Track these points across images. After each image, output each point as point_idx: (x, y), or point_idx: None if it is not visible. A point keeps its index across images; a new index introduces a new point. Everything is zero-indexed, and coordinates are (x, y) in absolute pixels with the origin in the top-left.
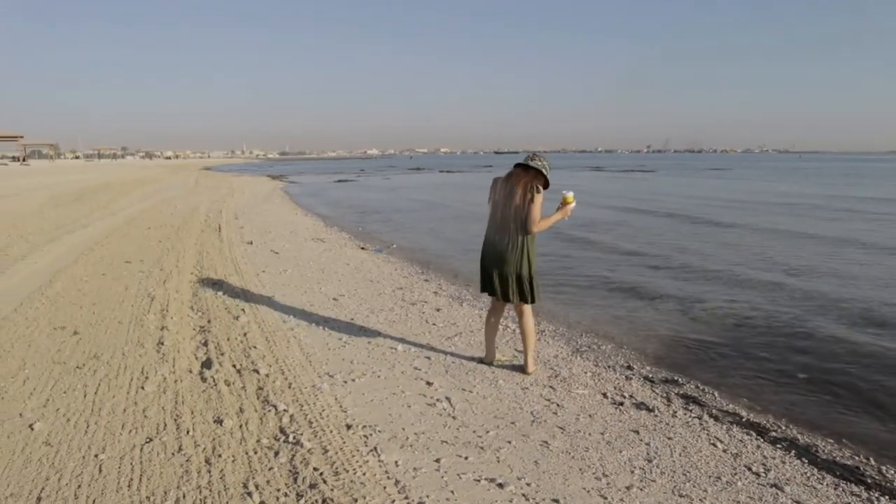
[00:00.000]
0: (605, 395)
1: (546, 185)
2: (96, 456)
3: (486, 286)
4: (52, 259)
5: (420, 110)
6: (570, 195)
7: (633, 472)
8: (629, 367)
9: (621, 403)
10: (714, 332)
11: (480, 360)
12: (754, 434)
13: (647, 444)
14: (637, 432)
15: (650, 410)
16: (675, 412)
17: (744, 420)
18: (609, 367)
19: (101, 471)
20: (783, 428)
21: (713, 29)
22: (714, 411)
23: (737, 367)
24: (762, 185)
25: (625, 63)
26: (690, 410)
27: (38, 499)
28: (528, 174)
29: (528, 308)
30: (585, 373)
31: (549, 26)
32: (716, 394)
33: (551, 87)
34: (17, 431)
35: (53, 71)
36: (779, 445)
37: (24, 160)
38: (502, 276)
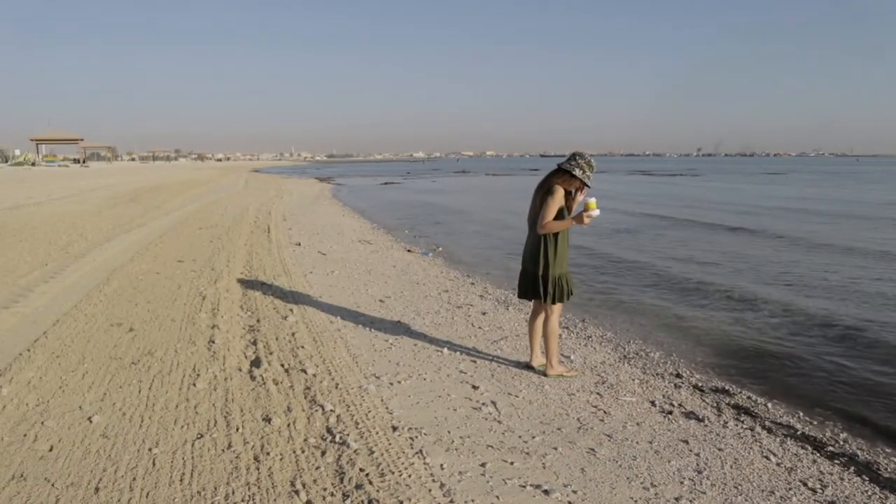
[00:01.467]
0: (653, 403)
1: (581, 187)
2: (150, 450)
3: (518, 287)
4: (110, 257)
5: (465, 113)
6: (592, 201)
7: (682, 483)
8: (678, 376)
9: (670, 412)
10: (767, 341)
11: (528, 365)
12: (810, 448)
13: (697, 454)
14: (686, 442)
15: (700, 420)
16: (726, 423)
17: (798, 433)
18: (657, 374)
19: (154, 464)
20: (841, 443)
21: (767, 29)
22: (767, 423)
23: (791, 378)
24: (818, 192)
25: (675, 65)
26: (742, 421)
27: (97, 489)
28: (556, 175)
29: (553, 309)
30: (633, 380)
31: (599, 26)
32: (768, 405)
33: (599, 90)
34: (76, 423)
35: (111, 76)
36: (837, 461)
37: (83, 162)
38: (526, 275)
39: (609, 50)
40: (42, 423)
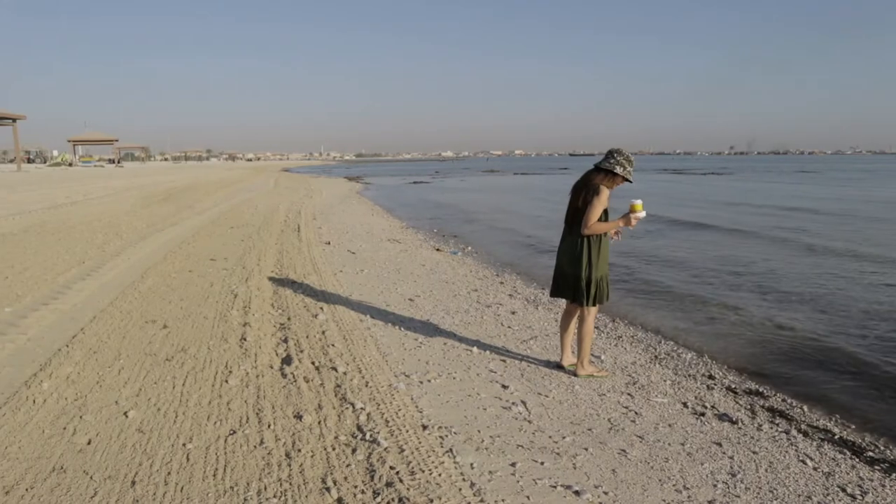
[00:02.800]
0: (685, 404)
1: (622, 182)
2: (184, 445)
3: (555, 288)
4: (144, 256)
5: (494, 112)
6: (638, 203)
7: (715, 486)
8: (711, 377)
9: (702, 414)
10: (802, 343)
11: (558, 364)
12: (848, 453)
13: (731, 457)
14: (720, 445)
15: (733, 423)
16: (761, 426)
17: (836, 437)
18: (689, 375)
19: (188, 459)
20: (881, 448)
21: (801, 24)
22: (803, 426)
23: (827, 381)
24: (854, 191)
25: (707, 61)
26: (777, 424)
27: (133, 483)
28: (598, 175)
29: (588, 311)
30: (665, 381)
31: (626, 24)
32: (804, 408)
33: (628, 88)
34: (113, 418)
35: (145, 78)
36: (877, 467)
37: (118, 162)
38: (564, 276)
39: (639, 47)
40: (80, 417)
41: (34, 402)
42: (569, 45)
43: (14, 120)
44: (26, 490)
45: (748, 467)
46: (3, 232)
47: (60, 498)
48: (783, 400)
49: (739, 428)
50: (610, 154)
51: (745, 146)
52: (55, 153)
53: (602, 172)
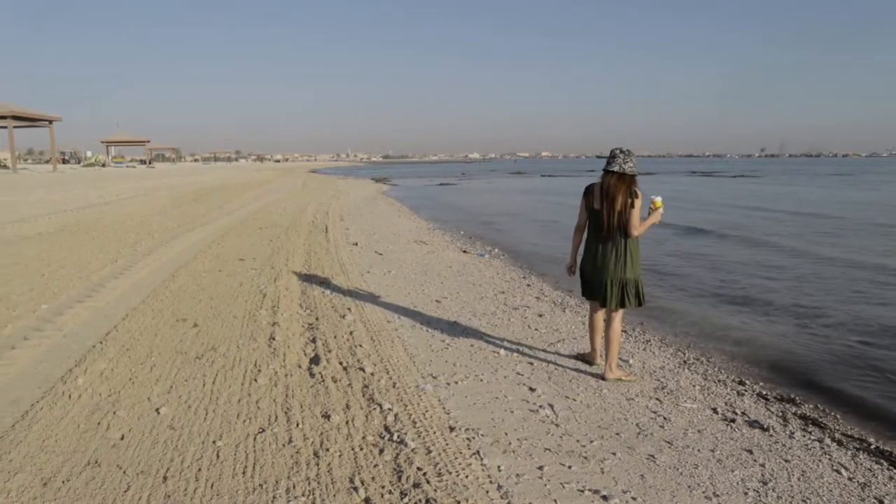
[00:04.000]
0: (715, 410)
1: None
2: (214, 442)
3: (587, 292)
4: (175, 255)
5: (520, 113)
6: (658, 200)
7: (746, 493)
8: (741, 383)
9: (733, 420)
10: (836, 349)
11: (580, 356)
12: (885, 463)
13: (762, 465)
14: (750, 452)
15: (764, 430)
16: (793, 433)
17: (872, 447)
18: (719, 381)
19: (218, 456)
20: None
21: (834, 19)
22: (837, 435)
23: (862, 389)
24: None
25: (737, 62)
26: (810, 432)
27: (165, 478)
28: (624, 180)
29: (619, 314)
30: (694, 386)
31: (653, 21)
32: (838, 416)
33: (655, 89)
34: (145, 414)
35: (176, 79)
36: None
37: (149, 163)
38: (604, 281)
39: (666, 46)
40: (114, 412)
41: (70, 397)
42: (596, 45)
43: (50, 121)
44: (63, 483)
45: (780, 476)
46: (40, 231)
47: (95, 491)
48: (816, 407)
49: (771, 435)
50: (626, 157)
51: (776, 148)
52: (89, 154)
53: (627, 177)
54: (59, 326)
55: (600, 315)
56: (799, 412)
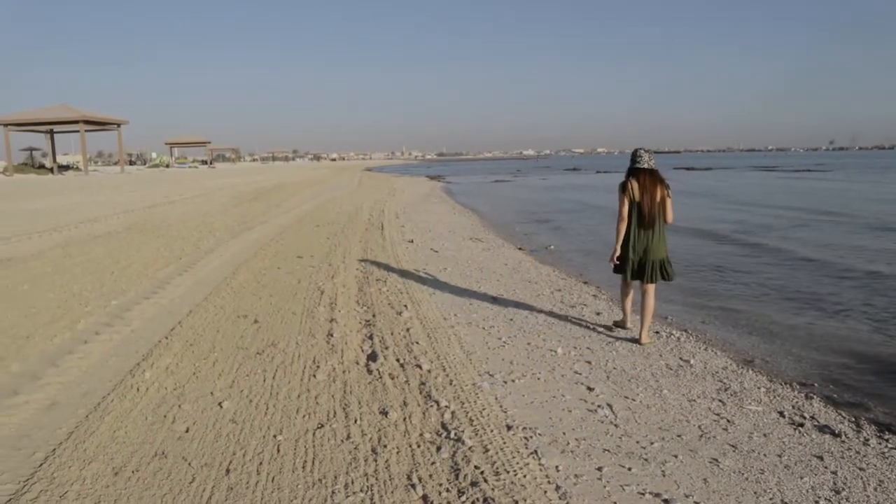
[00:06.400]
0: (781, 413)
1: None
2: (275, 436)
3: (633, 273)
4: (235, 252)
5: (575, 110)
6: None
7: (817, 502)
8: (809, 385)
9: (801, 424)
10: None
11: (615, 323)
12: None
13: (834, 472)
14: (821, 458)
15: (836, 435)
16: (867, 440)
17: None
18: (786, 382)
19: (279, 451)
20: None
21: None
22: None
23: None
24: None
25: (802, 49)
26: (886, 440)
27: (227, 471)
28: (655, 176)
29: (653, 288)
30: (758, 387)
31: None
32: None
33: (713, 82)
34: (209, 408)
35: (237, 81)
36: None
37: (210, 163)
38: (650, 262)
39: (728, 35)
40: (179, 406)
41: (138, 390)
42: (653, 36)
43: (118, 125)
44: (132, 472)
45: (854, 485)
46: (109, 230)
47: (162, 482)
48: (891, 413)
49: (843, 441)
50: (649, 155)
51: (847, 140)
52: (154, 155)
53: (658, 174)
54: (127, 322)
55: (629, 287)
56: (873, 418)
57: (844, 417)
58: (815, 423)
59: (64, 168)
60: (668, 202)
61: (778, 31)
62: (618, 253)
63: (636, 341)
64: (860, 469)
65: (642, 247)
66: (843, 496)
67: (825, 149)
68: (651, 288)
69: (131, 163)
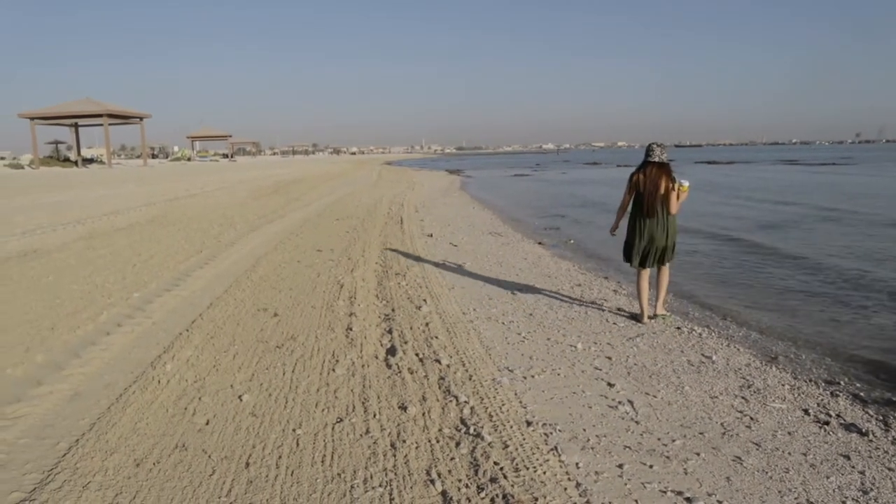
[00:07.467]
0: (806, 411)
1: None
2: (294, 430)
3: (640, 260)
4: (255, 246)
5: (596, 103)
6: (685, 184)
7: (844, 502)
8: (835, 382)
9: (827, 423)
10: None
11: (632, 316)
12: None
13: (862, 472)
14: (848, 458)
15: (863, 434)
16: None
17: None
18: (810, 380)
19: (298, 444)
20: None
21: None
22: None
23: None
24: None
25: (827, 38)
26: None
27: (247, 464)
28: (663, 169)
29: (667, 268)
30: (783, 385)
31: (730, 6)
32: None
33: (736, 74)
34: (228, 401)
35: (257, 76)
36: None
37: (231, 157)
38: (657, 248)
39: (751, 27)
40: (199, 398)
41: (159, 382)
42: (670, 28)
43: (141, 118)
44: (153, 464)
45: (883, 485)
46: (131, 222)
47: (182, 474)
48: None
49: (870, 440)
50: (661, 149)
51: (874, 133)
52: (176, 149)
53: (666, 165)
54: (148, 314)
55: (646, 281)
56: None
57: (872, 416)
58: (842, 422)
59: (88, 161)
60: (672, 195)
61: (801, 23)
62: (616, 227)
63: (653, 317)
64: (889, 469)
65: (648, 234)
66: (871, 496)
67: (851, 142)
68: (665, 269)
69: (153, 156)
